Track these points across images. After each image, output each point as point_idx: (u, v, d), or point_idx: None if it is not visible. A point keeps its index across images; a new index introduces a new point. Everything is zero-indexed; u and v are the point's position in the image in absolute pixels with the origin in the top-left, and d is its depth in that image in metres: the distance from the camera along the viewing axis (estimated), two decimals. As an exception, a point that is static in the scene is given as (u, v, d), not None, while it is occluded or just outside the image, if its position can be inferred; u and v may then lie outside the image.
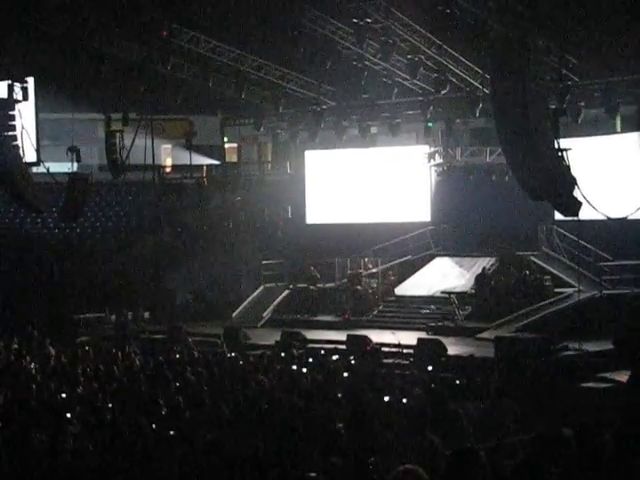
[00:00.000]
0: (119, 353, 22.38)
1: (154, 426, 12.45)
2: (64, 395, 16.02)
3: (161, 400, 14.31)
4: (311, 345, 25.63)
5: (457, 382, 17.80)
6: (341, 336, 26.08)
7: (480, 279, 30.43)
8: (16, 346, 24.38)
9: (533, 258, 31.17)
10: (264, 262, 35.05)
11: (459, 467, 5.55)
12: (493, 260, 32.01)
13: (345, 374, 18.74)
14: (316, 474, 8.21)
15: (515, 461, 6.35)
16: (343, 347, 24.67)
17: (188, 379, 17.70)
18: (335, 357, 22.34)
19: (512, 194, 28.07)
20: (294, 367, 19.90)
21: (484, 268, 30.75)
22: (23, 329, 27.06)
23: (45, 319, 29.46)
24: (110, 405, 14.76)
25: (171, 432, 12.09)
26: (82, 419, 13.48)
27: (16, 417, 13.67)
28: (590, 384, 20.13)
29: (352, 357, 22.33)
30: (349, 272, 33.50)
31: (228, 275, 35.76)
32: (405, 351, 23.43)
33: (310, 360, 21.34)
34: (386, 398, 14.77)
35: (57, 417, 13.50)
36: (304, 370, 19.35)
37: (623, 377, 18.20)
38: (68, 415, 13.64)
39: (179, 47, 29.79)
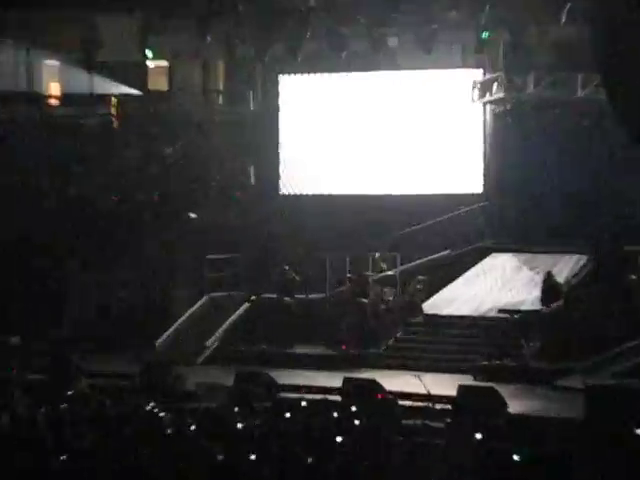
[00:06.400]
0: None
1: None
2: None
3: None
4: (284, 394, 21.64)
5: (516, 458, 13.10)
6: (335, 381, 21.96)
7: (549, 293, 24.88)
8: None
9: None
10: (209, 257, 28.36)
11: None
12: (583, 260, 26.62)
13: (339, 439, 14.62)
14: None
15: None
16: (338, 398, 20.57)
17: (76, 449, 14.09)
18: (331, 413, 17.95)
19: (618, 151, 25.74)
20: (255, 432, 16.09)
21: (549, 273, 25.00)
22: None
23: None
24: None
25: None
26: None
27: None
28: None
29: (352, 415, 17.82)
30: (348, 275, 27.68)
31: (150, 278, 29.05)
32: (439, 407, 19.73)
33: (285, 417, 17.55)
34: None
35: None
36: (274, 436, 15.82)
37: None
38: None
39: None
